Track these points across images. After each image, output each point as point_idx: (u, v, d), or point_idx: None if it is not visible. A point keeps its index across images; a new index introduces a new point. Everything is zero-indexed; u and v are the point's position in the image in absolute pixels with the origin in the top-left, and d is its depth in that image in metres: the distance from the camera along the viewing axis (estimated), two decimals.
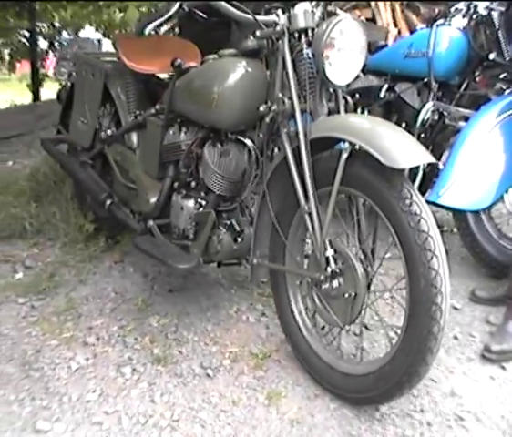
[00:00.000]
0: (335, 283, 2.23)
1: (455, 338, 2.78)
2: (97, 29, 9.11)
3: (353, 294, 2.20)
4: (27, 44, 8.67)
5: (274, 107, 2.34)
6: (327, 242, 2.22)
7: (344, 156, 2.09)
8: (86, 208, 3.55)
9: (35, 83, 8.60)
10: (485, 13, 3.29)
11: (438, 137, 3.52)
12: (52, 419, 2.21)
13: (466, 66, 3.44)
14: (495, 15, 3.24)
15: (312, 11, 2.31)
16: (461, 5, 3.43)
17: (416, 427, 2.22)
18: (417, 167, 3.49)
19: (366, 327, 2.64)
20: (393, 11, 8.14)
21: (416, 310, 2.03)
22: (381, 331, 2.67)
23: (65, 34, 9.51)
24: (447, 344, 2.72)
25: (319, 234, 2.22)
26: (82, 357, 2.56)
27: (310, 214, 2.23)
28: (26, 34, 8.59)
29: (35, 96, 8.57)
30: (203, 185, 2.69)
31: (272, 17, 2.30)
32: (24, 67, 11.15)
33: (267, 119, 2.39)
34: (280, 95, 2.32)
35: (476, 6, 3.32)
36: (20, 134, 5.25)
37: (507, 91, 3.25)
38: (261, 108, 2.39)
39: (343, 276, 2.23)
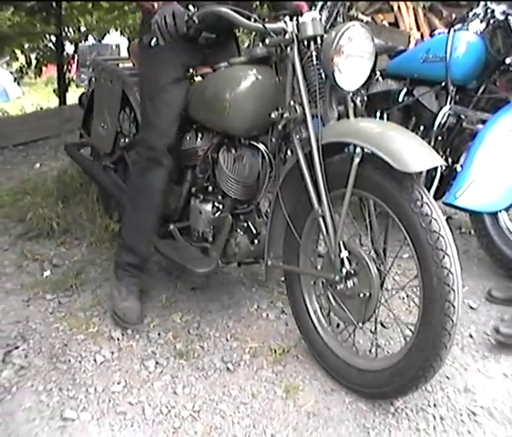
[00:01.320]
0: (350, 283, 2.30)
1: (471, 336, 2.82)
2: (122, 33, 9.24)
3: (368, 294, 2.27)
4: (54, 48, 8.77)
5: (286, 115, 2.41)
6: (341, 244, 2.29)
7: (357, 160, 2.15)
8: (111, 208, 3.64)
9: (62, 87, 8.71)
10: (502, 18, 3.32)
11: (456, 140, 3.55)
12: (78, 408, 2.32)
13: (484, 70, 3.47)
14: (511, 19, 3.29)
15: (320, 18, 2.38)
16: (479, 10, 3.47)
17: (430, 421, 2.28)
18: (435, 170, 3.55)
19: (383, 324, 2.72)
20: (415, 15, 8.19)
21: (430, 308, 2.10)
22: (397, 329, 2.72)
23: (91, 38, 9.63)
24: (462, 342, 2.77)
25: (333, 236, 2.28)
26: (107, 350, 2.67)
27: (323, 217, 2.30)
28: (53, 38, 8.70)
29: (62, 101, 8.69)
30: (219, 189, 2.76)
31: (281, 25, 2.35)
32: (50, 71, 11.34)
33: (279, 126, 2.47)
34: (291, 102, 2.39)
35: (493, 11, 3.36)
36: (47, 137, 5.39)
37: None
38: (273, 115, 2.46)
39: (358, 276, 2.30)
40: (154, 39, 2.42)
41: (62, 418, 2.26)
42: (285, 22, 2.35)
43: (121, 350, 2.68)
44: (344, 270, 2.30)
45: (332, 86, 2.29)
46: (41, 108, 8.83)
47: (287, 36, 2.34)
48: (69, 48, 9.22)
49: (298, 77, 2.34)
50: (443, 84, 3.50)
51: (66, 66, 8.71)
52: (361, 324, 2.39)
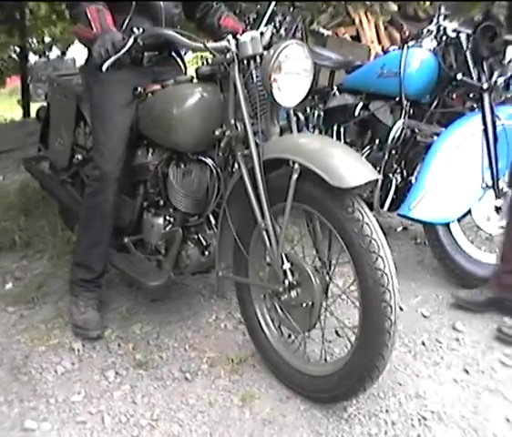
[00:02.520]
0: (293, 294, 2.38)
1: (423, 344, 2.90)
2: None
3: (311, 303, 2.35)
4: (17, 59, 8.75)
5: (228, 132, 2.48)
6: (284, 256, 2.37)
7: (295, 176, 2.22)
8: (72, 222, 3.67)
9: (25, 98, 8.71)
10: (453, 35, 3.44)
11: (410, 154, 3.66)
12: (39, 418, 2.37)
13: (436, 85, 3.57)
14: (462, 37, 3.39)
15: (261, 33, 2.48)
16: (432, 27, 3.58)
17: (381, 426, 2.36)
18: (390, 183, 3.66)
19: (337, 333, 2.81)
20: (376, 28, 8.34)
21: (368, 309, 2.19)
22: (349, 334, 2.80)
23: (55, 49, 9.59)
24: (415, 350, 2.86)
25: (275, 249, 2.36)
26: (68, 361, 2.72)
27: (266, 230, 2.38)
28: (17, 49, 8.68)
29: (26, 112, 8.67)
30: (170, 203, 2.82)
31: (223, 43, 2.43)
32: (14, 82, 11.28)
33: (222, 144, 2.54)
34: (232, 120, 2.46)
35: (445, 29, 3.47)
36: (10, 150, 5.39)
37: (476, 109, 3.42)
38: (217, 132, 2.53)
39: (300, 286, 2.38)
40: (105, 64, 2.44)
41: (22, 428, 2.31)
42: (228, 40, 2.42)
43: (82, 361, 2.73)
44: (287, 281, 2.37)
45: (273, 102, 2.36)
46: (5, 120, 8.79)
47: (228, 56, 2.42)
48: (33, 59, 9.21)
49: (239, 95, 2.41)
50: (397, 98, 3.60)
51: (29, 77, 8.69)
52: (307, 332, 2.48)
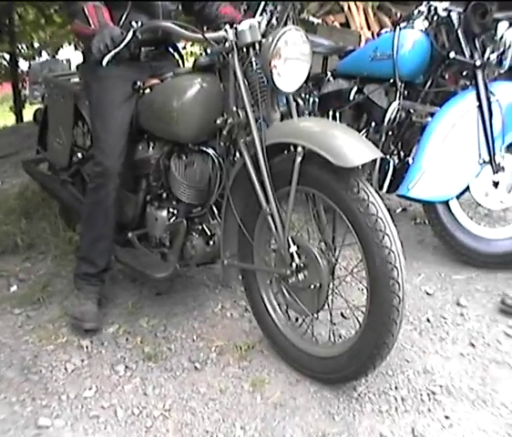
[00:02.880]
0: (301, 276, 2.41)
1: (428, 321, 2.93)
2: (75, 48, 9.25)
3: (318, 284, 2.37)
4: (8, 66, 8.75)
5: (230, 120, 2.51)
6: (290, 239, 2.40)
7: (299, 159, 2.25)
8: (73, 221, 3.69)
9: (18, 104, 8.71)
10: (444, 14, 3.46)
11: (407, 134, 3.68)
12: (52, 416, 2.39)
13: (430, 65, 3.59)
14: (454, 15, 3.40)
15: (258, 23, 2.48)
16: (423, 8, 3.60)
17: (392, 403, 2.39)
18: (387, 164, 3.67)
19: (343, 315, 2.83)
20: (365, 15, 8.34)
21: (376, 287, 2.21)
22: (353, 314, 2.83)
23: (44, 54, 9.60)
24: (420, 327, 2.89)
25: (281, 233, 2.39)
26: (77, 359, 2.74)
27: (271, 215, 2.40)
28: (6, 56, 8.68)
29: (18, 118, 8.67)
30: (173, 195, 2.84)
31: (222, 33, 2.45)
32: (4, 90, 11.28)
33: (224, 132, 2.56)
34: (234, 107, 2.49)
35: (436, 9, 3.49)
36: (7, 155, 5.40)
37: (470, 86, 3.43)
38: (218, 121, 2.55)
39: (308, 268, 2.40)
40: (106, 59, 2.46)
41: (36, 426, 2.33)
42: (226, 30, 2.45)
43: (91, 358, 2.75)
44: (294, 264, 2.40)
45: (273, 88, 2.39)
46: None
47: (227, 45, 2.44)
48: (23, 65, 9.20)
49: (239, 83, 2.44)
50: (391, 80, 3.61)
51: (20, 84, 8.69)
52: (315, 314, 2.50)
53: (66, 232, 3.73)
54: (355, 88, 3.87)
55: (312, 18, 5.10)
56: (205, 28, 2.93)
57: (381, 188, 3.68)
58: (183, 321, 3.01)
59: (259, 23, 2.51)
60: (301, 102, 2.65)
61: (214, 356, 2.73)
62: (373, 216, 2.17)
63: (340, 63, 4.07)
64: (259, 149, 2.38)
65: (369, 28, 8.07)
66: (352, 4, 8.08)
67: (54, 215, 3.95)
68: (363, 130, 3.80)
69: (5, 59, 8.78)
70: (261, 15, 2.64)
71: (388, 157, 3.69)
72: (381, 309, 2.21)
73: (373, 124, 3.76)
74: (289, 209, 2.35)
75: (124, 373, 2.64)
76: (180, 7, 3.15)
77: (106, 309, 3.12)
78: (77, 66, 3.27)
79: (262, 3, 2.70)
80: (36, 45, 9.49)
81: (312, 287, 2.39)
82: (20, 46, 8.94)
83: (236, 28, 2.44)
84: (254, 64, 2.43)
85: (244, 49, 2.45)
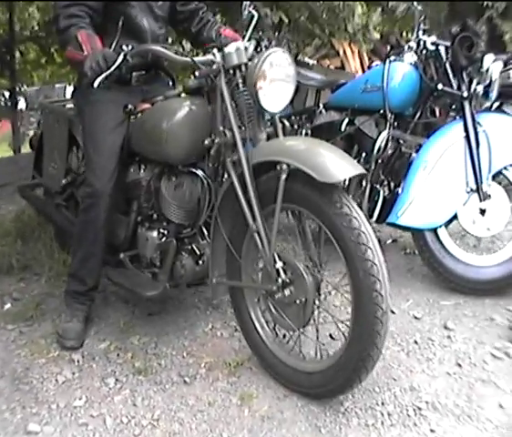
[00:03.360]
0: (287, 292, 2.46)
1: (415, 342, 2.97)
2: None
3: (304, 299, 2.42)
4: (8, 104, 8.85)
5: (217, 140, 2.58)
6: (276, 256, 2.45)
7: (283, 176, 2.32)
8: (67, 244, 3.73)
9: (16, 142, 8.78)
10: (433, 48, 3.57)
11: (396, 165, 3.75)
12: (42, 423, 2.43)
13: (419, 97, 3.69)
14: (442, 49, 3.52)
15: (246, 48, 2.57)
16: (412, 43, 3.71)
17: (378, 417, 2.42)
18: (377, 194, 3.75)
19: (331, 336, 2.88)
20: (360, 59, 8.52)
21: (360, 300, 2.26)
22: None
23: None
24: (408, 348, 2.92)
25: (268, 249, 2.44)
26: (68, 371, 2.77)
27: (258, 232, 2.46)
28: (6, 94, 8.79)
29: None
30: (163, 216, 2.91)
31: (209, 57, 2.54)
32: (3, 129, 11.38)
33: (212, 151, 2.64)
34: (221, 128, 2.56)
35: (424, 42, 3.60)
36: (3, 184, 5.47)
37: (457, 118, 3.53)
38: (206, 142, 2.63)
39: (293, 284, 2.45)
40: (97, 80, 2.53)
41: (26, 432, 2.37)
42: (213, 54, 2.54)
43: (82, 371, 2.78)
44: (280, 280, 2.45)
45: (259, 109, 2.47)
46: None
47: (214, 67, 2.53)
48: (22, 104, 9.31)
49: (226, 104, 2.52)
50: (381, 111, 3.71)
51: (19, 122, 8.78)
52: (301, 329, 2.55)
53: (60, 255, 3.77)
54: (347, 120, 3.94)
55: (307, 59, 5.19)
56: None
57: (371, 216, 3.74)
58: (174, 340, 3.04)
59: (246, 48, 2.59)
60: (286, 123, 2.71)
61: (203, 371, 2.76)
62: (355, 230, 2.23)
63: (332, 96, 4.16)
64: (245, 168, 2.45)
65: (363, 72, 8.23)
66: (347, 48, 8.26)
67: (49, 238, 4.00)
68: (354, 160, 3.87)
69: (4, 97, 8.87)
70: (248, 40, 2.72)
71: (378, 186, 3.76)
72: (365, 322, 2.26)
73: (363, 154, 3.83)
74: (274, 226, 2.41)
75: (114, 385, 2.67)
76: (176, 31, 3.26)
77: (97, 328, 3.16)
78: (72, 93, 3.35)
79: (251, 28, 2.78)
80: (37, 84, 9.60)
81: (298, 302, 2.44)
82: (20, 85, 9.02)
83: (223, 51, 2.52)
84: (241, 85, 2.51)
85: (231, 71, 2.53)
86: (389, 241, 4.35)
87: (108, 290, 3.46)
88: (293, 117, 4.26)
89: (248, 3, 2.81)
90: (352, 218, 2.25)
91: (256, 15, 2.83)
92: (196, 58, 2.56)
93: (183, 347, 2.98)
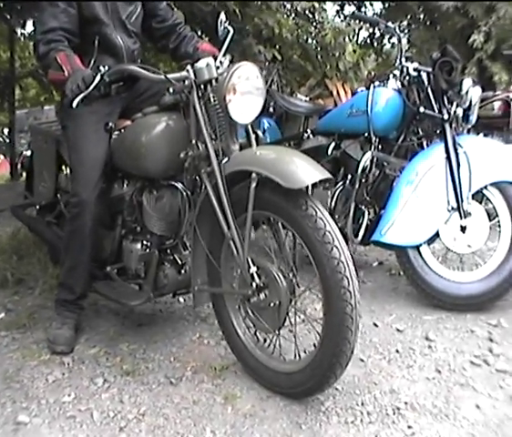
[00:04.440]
0: (262, 295, 2.56)
1: (397, 351, 3.05)
2: None
3: (278, 302, 2.52)
4: (6, 141, 9.00)
5: (191, 153, 2.70)
6: (250, 261, 2.55)
7: (253, 185, 2.44)
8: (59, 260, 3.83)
9: (14, 179, 8.91)
10: (415, 74, 3.72)
11: (381, 186, 3.88)
12: (31, 415, 2.51)
13: (402, 121, 3.84)
14: (423, 74, 3.68)
15: (221, 62, 2.73)
16: (395, 70, 3.87)
17: (357, 416, 2.50)
18: (362, 216, 3.86)
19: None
20: None
21: (329, 297, 2.36)
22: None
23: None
24: (389, 356, 3.00)
25: (242, 255, 2.55)
26: (59, 372, 2.85)
27: (232, 239, 2.57)
28: (5, 132, 8.95)
29: None
30: (146, 228, 3.01)
31: (183, 73, 2.66)
32: (1, 169, 11.53)
33: (186, 164, 2.75)
34: (194, 141, 2.68)
35: (407, 68, 3.75)
36: (1, 209, 5.58)
37: (438, 140, 3.67)
38: (182, 155, 2.74)
39: (268, 288, 2.55)
40: (76, 100, 2.63)
41: (15, 422, 2.45)
42: (187, 70, 2.66)
43: (71, 372, 2.87)
44: (255, 284, 2.55)
45: (230, 121, 2.59)
46: None
47: (187, 83, 2.65)
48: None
49: (198, 117, 2.64)
50: (366, 135, 3.84)
51: (18, 158, 8.92)
52: (277, 331, 2.64)
53: (53, 269, 3.86)
54: (333, 144, 4.08)
55: (300, 96, 5.37)
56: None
57: (356, 236, 3.86)
58: (162, 347, 3.12)
59: (221, 62, 2.75)
60: (260, 133, 2.83)
61: (189, 374, 2.84)
62: (321, 230, 2.34)
63: (319, 122, 4.30)
64: (218, 179, 2.55)
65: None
66: (340, 88, 8.43)
67: (43, 254, 4.09)
68: (340, 182, 4.00)
69: (3, 134, 9.02)
70: (224, 55, 2.85)
71: (363, 207, 3.88)
72: (336, 318, 2.34)
73: (349, 176, 3.96)
74: (247, 233, 2.51)
75: (102, 385, 2.75)
76: (155, 48, 3.42)
77: (88, 336, 3.24)
78: (56, 110, 3.48)
79: (227, 43, 2.92)
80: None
81: (273, 305, 2.53)
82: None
83: (194, 67, 2.65)
84: (212, 99, 2.62)
85: (202, 86, 2.65)
86: (375, 264, 4.45)
87: (100, 303, 3.56)
88: (283, 143, 4.40)
89: (223, 19, 2.96)
90: (317, 218, 2.35)
91: (232, 30, 2.98)
92: (169, 75, 2.68)
93: (171, 353, 3.05)
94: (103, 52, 2.83)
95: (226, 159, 2.59)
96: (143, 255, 3.03)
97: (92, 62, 2.68)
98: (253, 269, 2.55)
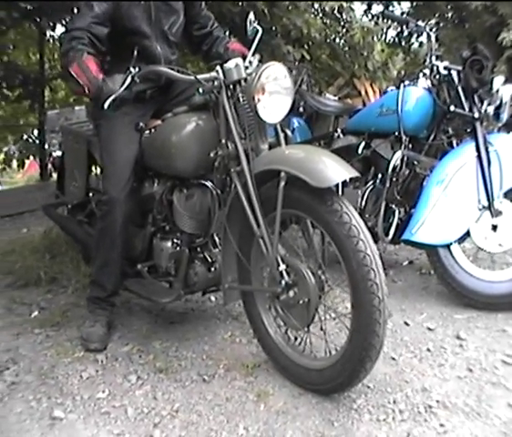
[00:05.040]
0: (291, 293, 2.58)
1: (428, 350, 3.05)
2: None
3: (307, 299, 2.54)
4: (36, 141, 9.09)
5: (220, 152, 2.74)
6: (279, 259, 2.58)
7: (282, 183, 2.46)
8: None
9: (44, 180, 9.01)
10: (445, 72, 3.72)
11: (411, 185, 3.87)
12: (66, 411, 2.56)
13: (432, 120, 3.82)
14: (453, 73, 3.67)
15: (250, 61, 2.76)
16: (425, 69, 3.86)
17: (389, 413, 2.50)
18: (392, 215, 3.86)
19: None
20: None
21: (356, 290, 2.37)
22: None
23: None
24: (420, 355, 3.00)
25: (271, 253, 2.57)
26: (92, 369, 2.90)
27: (262, 237, 2.60)
28: (35, 133, 9.04)
29: None
30: (176, 227, 3.04)
31: (212, 74, 2.70)
32: (31, 170, 11.65)
33: (216, 163, 2.78)
34: (223, 140, 2.72)
35: (437, 67, 3.75)
36: (32, 209, 5.69)
37: (468, 139, 3.66)
38: (211, 154, 2.78)
39: (297, 285, 2.57)
40: (107, 101, 2.68)
41: (51, 417, 2.50)
42: (216, 71, 2.70)
43: (105, 369, 2.91)
44: (284, 282, 2.58)
45: (259, 121, 2.61)
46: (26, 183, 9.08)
47: (216, 83, 2.69)
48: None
49: (228, 117, 2.67)
50: (396, 134, 3.84)
51: (48, 158, 8.99)
52: (306, 328, 2.66)
53: (86, 268, 3.91)
54: (363, 143, 4.08)
55: (329, 95, 5.37)
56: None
57: (386, 235, 3.86)
58: (194, 345, 3.15)
59: (250, 62, 2.78)
60: (289, 132, 2.85)
61: (222, 372, 2.87)
62: (346, 224, 2.35)
63: (349, 121, 4.30)
64: (248, 178, 2.59)
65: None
66: (369, 88, 8.41)
67: (76, 253, 4.15)
68: (370, 182, 4.00)
69: (33, 135, 9.11)
70: (253, 54, 2.88)
71: (394, 206, 3.87)
72: (363, 311, 2.36)
73: (379, 176, 3.96)
74: (276, 231, 2.54)
75: (136, 382, 2.78)
76: (189, 49, 3.46)
77: (121, 333, 3.29)
78: (88, 111, 3.54)
79: (255, 43, 2.95)
80: None
81: (302, 302, 2.55)
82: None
83: (224, 68, 2.68)
84: (241, 99, 2.65)
85: (232, 86, 2.69)
86: (406, 263, 4.44)
87: (132, 302, 3.60)
88: (313, 143, 4.41)
89: (252, 18, 2.98)
90: (342, 213, 2.37)
91: (260, 30, 3.01)
92: (199, 76, 2.72)
93: (203, 351, 3.09)
94: (141, 61, 2.84)
95: (255, 158, 2.61)
96: (173, 253, 3.06)
97: (127, 71, 2.71)
98: (282, 267, 2.58)
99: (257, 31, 3.00)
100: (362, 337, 2.38)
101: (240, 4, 5.75)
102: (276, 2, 6.36)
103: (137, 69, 2.67)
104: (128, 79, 2.67)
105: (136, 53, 2.75)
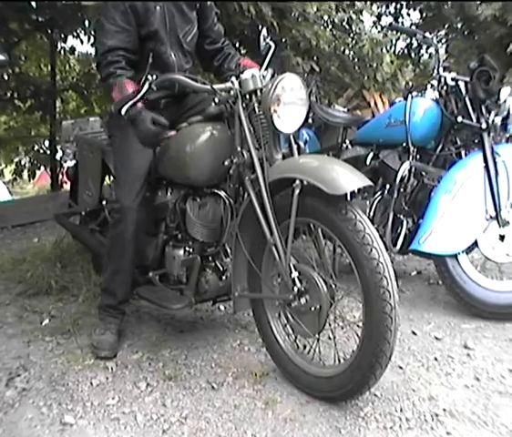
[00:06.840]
0: (303, 300, 2.61)
1: (436, 359, 3.07)
2: None
3: (318, 307, 2.57)
4: (47, 152, 9.16)
5: (236, 160, 2.77)
6: (292, 266, 2.61)
7: (296, 191, 2.50)
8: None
9: (55, 190, 9.08)
10: (452, 84, 3.75)
11: (419, 196, 3.90)
12: (76, 417, 2.59)
13: (440, 131, 3.86)
14: (461, 84, 3.70)
15: (263, 76, 2.78)
16: (433, 81, 3.89)
17: (396, 422, 2.52)
18: (400, 225, 3.89)
19: None
20: None
21: (369, 297, 2.40)
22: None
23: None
24: (428, 364, 3.02)
25: (284, 260, 2.60)
26: (103, 376, 2.93)
27: (275, 245, 2.63)
28: (46, 143, 9.12)
29: None
30: (189, 235, 3.08)
31: (228, 84, 2.75)
32: (41, 180, 11.71)
33: (230, 171, 2.82)
34: (239, 148, 2.75)
35: (445, 79, 3.78)
36: (43, 219, 5.74)
37: (476, 149, 3.68)
38: (226, 163, 2.81)
39: (308, 292, 2.60)
40: (125, 107, 2.77)
41: (61, 423, 2.53)
42: (232, 81, 2.75)
43: (115, 376, 2.94)
44: (296, 289, 2.61)
45: (274, 130, 2.65)
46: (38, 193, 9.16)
47: (232, 93, 2.74)
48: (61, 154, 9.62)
49: (243, 126, 2.71)
50: (404, 145, 3.87)
51: (59, 169, 9.09)
52: (317, 335, 2.69)
53: (97, 278, 3.95)
54: (371, 154, 4.12)
55: (338, 107, 5.40)
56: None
57: (394, 245, 3.88)
58: (203, 353, 3.18)
59: (263, 75, 2.80)
60: (302, 144, 2.89)
61: (230, 379, 2.89)
62: (360, 232, 2.39)
63: (357, 132, 4.34)
64: (262, 186, 2.62)
65: None
66: (378, 99, 8.44)
67: (87, 262, 4.19)
68: (378, 192, 4.03)
69: (44, 145, 9.19)
70: (266, 69, 2.93)
71: (402, 216, 3.90)
72: (375, 318, 2.39)
73: (387, 186, 3.99)
74: (289, 238, 2.57)
75: (145, 389, 2.81)
76: (200, 64, 3.54)
77: (131, 341, 3.32)
78: (103, 121, 3.60)
79: (269, 57, 3.00)
80: None
81: (313, 309, 2.58)
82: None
83: (240, 78, 2.72)
84: (257, 109, 2.69)
85: (247, 96, 2.73)
86: (414, 273, 4.47)
87: (142, 310, 3.64)
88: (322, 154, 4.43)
89: (265, 34, 3.02)
90: (356, 221, 2.41)
91: (273, 45, 3.05)
92: (215, 86, 2.77)
93: (212, 359, 3.11)
94: (156, 68, 2.89)
95: (269, 167, 2.65)
96: (185, 261, 3.10)
97: (144, 78, 2.76)
98: (295, 274, 2.61)
99: (270, 47, 3.05)
100: (373, 344, 2.41)
101: (250, 16, 5.79)
102: (286, 14, 6.42)
103: (154, 77, 2.73)
104: (146, 86, 2.72)
105: (150, 59, 2.80)
